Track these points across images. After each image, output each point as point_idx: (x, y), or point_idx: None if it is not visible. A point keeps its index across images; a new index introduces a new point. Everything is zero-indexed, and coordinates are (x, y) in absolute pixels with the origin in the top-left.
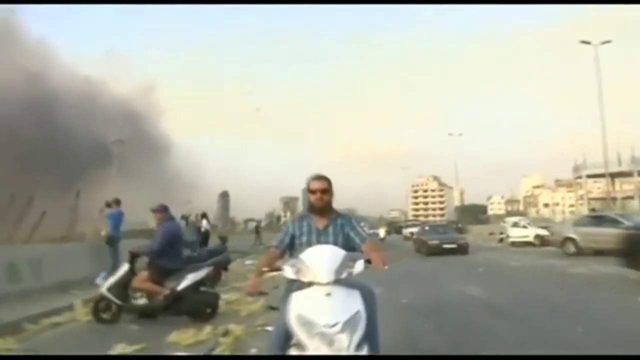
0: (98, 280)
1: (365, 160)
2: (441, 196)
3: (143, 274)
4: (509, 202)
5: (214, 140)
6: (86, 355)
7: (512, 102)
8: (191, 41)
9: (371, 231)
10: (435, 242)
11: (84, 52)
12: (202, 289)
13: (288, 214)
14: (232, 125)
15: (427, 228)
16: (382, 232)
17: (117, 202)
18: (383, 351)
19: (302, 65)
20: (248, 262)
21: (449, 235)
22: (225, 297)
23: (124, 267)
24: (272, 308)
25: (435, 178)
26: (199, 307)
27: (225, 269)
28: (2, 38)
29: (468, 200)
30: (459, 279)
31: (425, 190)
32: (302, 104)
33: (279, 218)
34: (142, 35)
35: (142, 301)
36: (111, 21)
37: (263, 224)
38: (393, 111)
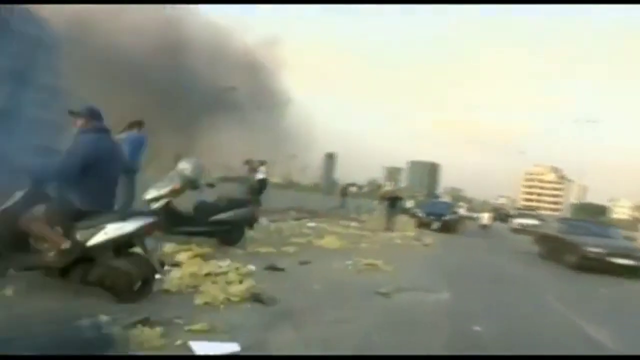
0: None
1: (475, 139)
2: (558, 189)
3: (37, 211)
4: (636, 207)
5: (328, 101)
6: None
7: None
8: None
9: (474, 215)
10: (597, 249)
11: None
12: (134, 253)
13: (392, 183)
14: (348, 88)
15: (573, 223)
16: (485, 217)
17: (139, 124)
18: None
19: (422, 32)
20: (310, 224)
21: (617, 242)
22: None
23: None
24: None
25: (555, 169)
26: (115, 279)
27: (250, 226)
28: None
29: (588, 199)
30: None
31: (542, 181)
32: (417, 73)
33: (379, 187)
34: None
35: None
36: None
37: (365, 189)
38: (509, 88)
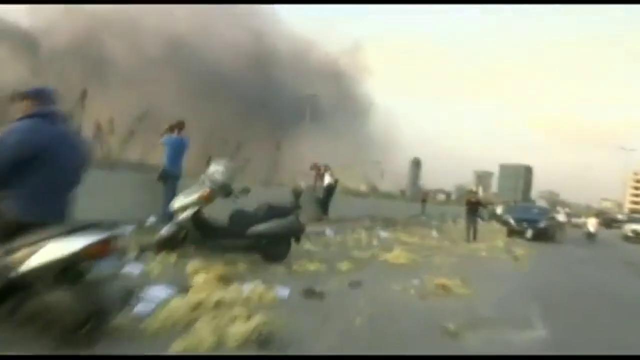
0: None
1: (575, 137)
2: None
3: None
4: None
5: (414, 105)
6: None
7: None
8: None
9: (575, 220)
10: None
11: (297, 13)
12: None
13: (480, 188)
14: (433, 91)
15: None
16: (591, 223)
17: (180, 125)
18: None
19: (508, 24)
20: (383, 234)
21: None
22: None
23: None
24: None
25: None
26: (54, 317)
27: (297, 239)
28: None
29: None
30: None
31: None
32: (506, 69)
33: (468, 192)
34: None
35: None
36: None
37: (453, 196)
38: (616, 80)
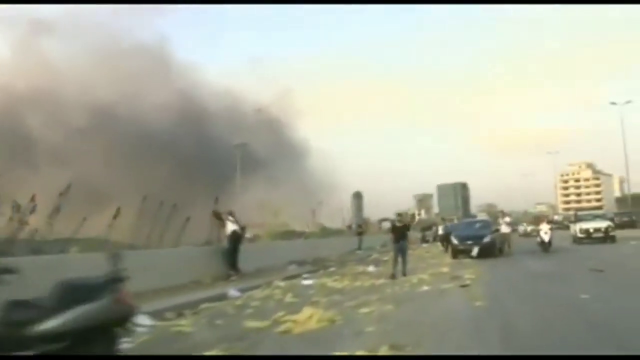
0: None
1: (507, 148)
2: (597, 185)
3: None
4: None
5: (348, 141)
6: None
7: None
8: (326, 45)
9: (528, 228)
10: None
11: (225, 67)
12: None
13: (422, 211)
14: (365, 124)
15: None
16: (545, 231)
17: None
18: None
19: (439, 54)
20: (307, 282)
21: None
22: None
23: None
24: None
25: (589, 165)
26: None
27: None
28: (156, 64)
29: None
30: None
31: (577, 180)
32: (436, 89)
33: (413, 216)
34: (279, 43)
35: None
36: (252, 34)
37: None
38: (540, 89)
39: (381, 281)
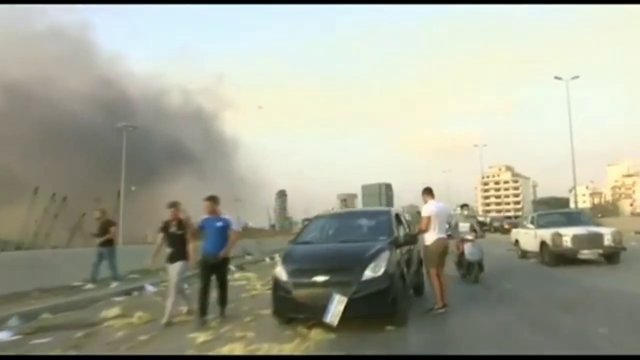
0: None
1: (434, 150)
2: (516, 188)
3: None
4: (594, 194)
5: (275, 138)
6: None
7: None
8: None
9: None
10: None
11: (153, 56)
12: None
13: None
14: (294, 123)
15: None
16: (467, 243)
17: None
18: None
19: (357, 54)
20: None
21: None
22: None
23: None
24: None
25: (509, 168)
26: None
27: None
28: (77, 54)
29: (542, 194)
30: None
31: (497, 182)
32: (360, 96)
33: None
34: (209, 34)
35: None
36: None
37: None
38: (462, 94)
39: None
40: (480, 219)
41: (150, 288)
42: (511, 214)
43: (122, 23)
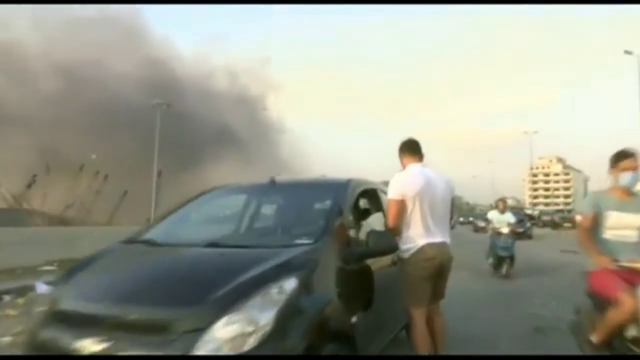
0: None
1: (474, 147)
2: (566, 181)
3: None
4: None
5: (323, 127)
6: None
7: None
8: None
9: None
10: None
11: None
12: None
13: None
14: (333, 111)
15: None
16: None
17: None
18: None
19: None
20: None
21: None
22: None
23: None
24: None
25: (560, 159)
26: None
27: None
28: (128, 37)
29: (593, 189)
30: None
31: (547, 174)
32: (405, 88)
33: None
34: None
35: None
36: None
37: None
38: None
39: None
40: (528, 211)
41: None
42: (561, 207)
43: (169, 9)
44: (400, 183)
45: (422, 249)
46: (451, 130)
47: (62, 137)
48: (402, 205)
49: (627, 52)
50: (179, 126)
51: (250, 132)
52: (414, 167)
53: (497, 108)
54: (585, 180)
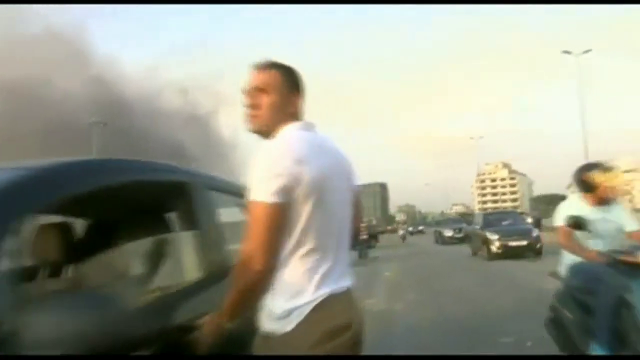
0: None
1: (427, 151)
2: (513, 185)
3: None
4: None
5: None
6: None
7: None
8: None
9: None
10: None
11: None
12: None
13: None
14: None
15: None
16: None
17: None
18: None
19: (359, 51)
20: None
21: None
22: None
23: None
24: None
25: (506, 165)
26: None
27: None
28: (74, 55)
29: (538, 192)
30: None
31: (494, 180)
32: (359, 94)
33: None
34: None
35: None
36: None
37: None
38: (460, 94)
39: None
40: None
41: None
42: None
43: (117, 25)
44: (281, 163)
45: (322, 307)
46: (404, 136)
47: (5, 158)
48: (284, 213)
49: (566, 52)
50: (125, 145)
51: (202, 149)
52: (297, 129)
53: (446, 113)
54: (530, 184)
